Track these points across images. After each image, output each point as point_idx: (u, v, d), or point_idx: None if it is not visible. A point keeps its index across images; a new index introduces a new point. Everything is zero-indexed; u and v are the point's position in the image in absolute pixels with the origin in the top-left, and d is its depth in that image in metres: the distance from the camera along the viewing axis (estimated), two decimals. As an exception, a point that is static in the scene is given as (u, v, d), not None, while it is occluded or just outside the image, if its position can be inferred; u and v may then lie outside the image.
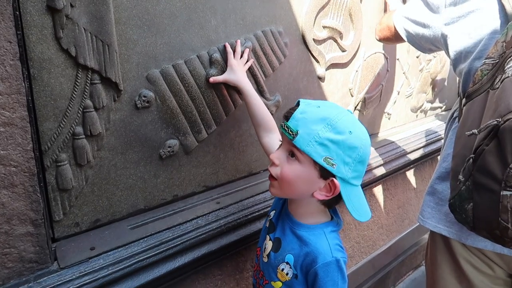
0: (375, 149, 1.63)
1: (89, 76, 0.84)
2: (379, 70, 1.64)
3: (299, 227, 0.82)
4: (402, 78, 1.84)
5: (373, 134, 1.78)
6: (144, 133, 0.97)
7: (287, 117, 0.76)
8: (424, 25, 1.05)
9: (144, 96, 0.94)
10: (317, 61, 1.37)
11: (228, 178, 1.20)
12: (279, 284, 0.83)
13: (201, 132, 1.08)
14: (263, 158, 1.26)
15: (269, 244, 0.86)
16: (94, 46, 0.83)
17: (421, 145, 1.85)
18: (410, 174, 1.93)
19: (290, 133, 0.73)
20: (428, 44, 1.08)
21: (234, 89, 1.11)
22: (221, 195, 1.14)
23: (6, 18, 0.67)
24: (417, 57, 1.88)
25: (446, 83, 2.13)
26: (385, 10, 1.54)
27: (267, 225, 0.91)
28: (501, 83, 0.72)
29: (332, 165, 0.72)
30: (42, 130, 0.81)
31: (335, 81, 1.47)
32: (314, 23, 1.30)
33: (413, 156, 1.79)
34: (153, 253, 0.91)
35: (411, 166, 1.87)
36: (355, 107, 1.60)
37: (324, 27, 1.35)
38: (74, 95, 0.83)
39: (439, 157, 1.08)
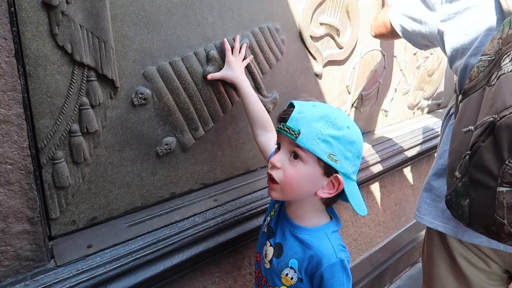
0: (372, 146, 1.63)
1: (85, 73, 0.84)
2: (376, 67, 1.64)
3: (300, 230, 0.81)
4: (399, 75, 1.85)
5: (370, 131, 1.78)
6: (141, 130, 0.97)
7: (284, 118, 0.75)
8: (420, 22, 1.05)
9: (141, 93, 0.94)
10: (314, 58, 1.37)
11: (225, 175, 1.20)
12: None
13: (198, 130, 1.08)
14: (260, 156, 1.26)
15: (270, 250, 0.85)
16: (90, 43, 0.82)
17: (418, 142, 1.85)
18: (407, 171, 1.94)
19: (292, 133, 0.73)
20: (424, 40, 1.09)
21: (231, 86, 1.11)
22: (219, 192, 1.14)
23: (1, 15, 0.67)
24: (414, 54, 1.89)
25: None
26: (383, 5, 1.53)
27: (265, 230, 0.90)
28: (497, 79, 0.72)
29: (336, 161, 0.73)
30: (38, 127, 0.80)
31: (332, 78, 1.47)
32: (311, 20, 1.30)
33: (410, 153, 1.79)
34: (150, 251, 0.91)
35: (408, 163, 1.88)
36: (352, 104, 1.60)
37: (321, 24, 1.35)
38: (70, 92, 0.83)
39: (435, 154, 1.08)
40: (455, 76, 0.99)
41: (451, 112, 1.03)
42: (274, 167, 0.77)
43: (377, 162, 1.60)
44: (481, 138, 0.69)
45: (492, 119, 0.67)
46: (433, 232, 1.04)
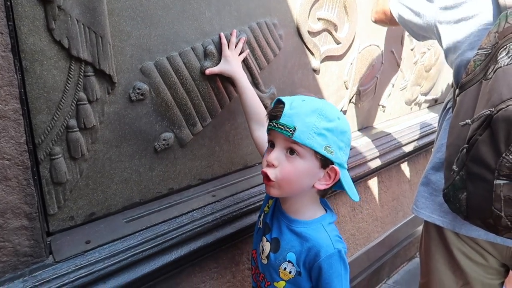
0: (370, 141, 1.63)
1: (83, 68, 0.83)
2: (373, 63, 1.64)
3: (296, 224, 0.82)
4: (397, 70, 1.85)
5: (367, 127, 1.79)
6: (139, 126, 0.96)
7: (276, 116, 0.75)
8: (418, 14, 1.05)
9: (139, 89, 0.93)
10: (312, 54, 1.36)
11: (223, 171, 1.20)
12: (282, 283, 0.82)
13: (196, 125, 1.07)
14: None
15: (266, 246, 0.86)
16: (87, 38, 0.82)
17: (416, 137, 1.86)
18: (404, 166, 1.95)
19: (288, 130, 0.73)
20: (422, 31, 1.09)
21: (229, 82, 1.10)
22: (217, 188, 1.14)
23: (-3, 9, 0.66)
24: (412, 49, 1.89)
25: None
26: None
27: (260, 226, 0.91)
28: (494, 73, 0.72)
29: (331, 152, 0.74)
30: (35, 123, 0.80)
31: (330, 73, 1.47)
32: (309, 15, 1.30)
33: (407, 149, 1.80)
34: (149, 246, 0.91)
35: (406, 158, 1.88)
36: (350, 100, 1.60)
37: (319, 19, 1.35)
38: (67, 87, 0.82)
39: (433, 148, 1.08)
40: (452, 69, 0.99)
41: (448, 106, 1.03)
42: (271, 165, 0.77)
43: (375, 158, 1.60)
44: (478, 131, 0.70)
45: (489, 112, 0.68)
46: (431, 226, 1.04)
